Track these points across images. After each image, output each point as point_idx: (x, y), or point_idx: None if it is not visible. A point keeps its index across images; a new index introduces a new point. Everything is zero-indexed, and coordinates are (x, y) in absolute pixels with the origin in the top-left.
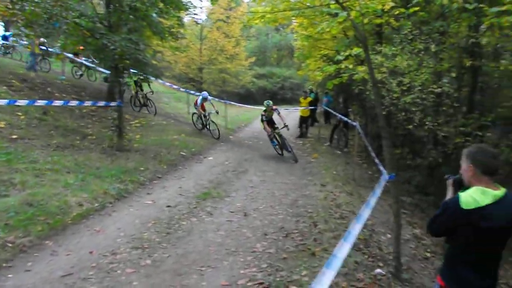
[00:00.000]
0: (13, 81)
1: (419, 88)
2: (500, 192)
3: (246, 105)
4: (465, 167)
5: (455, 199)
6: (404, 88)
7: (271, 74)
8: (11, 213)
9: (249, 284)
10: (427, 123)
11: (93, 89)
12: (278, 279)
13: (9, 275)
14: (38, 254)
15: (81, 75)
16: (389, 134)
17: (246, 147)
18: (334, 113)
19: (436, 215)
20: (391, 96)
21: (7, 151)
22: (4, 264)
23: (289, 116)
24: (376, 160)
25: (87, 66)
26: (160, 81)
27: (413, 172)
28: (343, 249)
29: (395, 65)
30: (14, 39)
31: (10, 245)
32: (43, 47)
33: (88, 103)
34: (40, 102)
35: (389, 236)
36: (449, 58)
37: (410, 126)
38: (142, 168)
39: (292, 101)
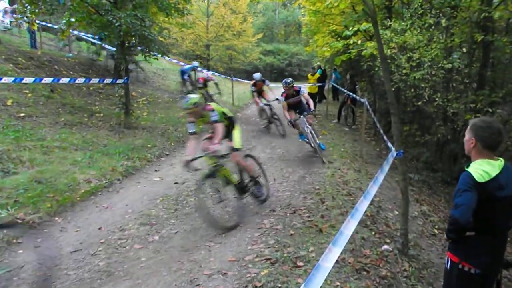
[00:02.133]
0: (20, 59)
1: (429, 64)
2: (500, 162)
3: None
4: (468, 138)
5: (468, 177)
6: (414, 64)
7: (279, 51)
8: (20, 190)
9: (256, 259)
10: (436, 99)
11: (100, 66)
12: (285, 255)
13: (19, 251)
14: (48, 230)
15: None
16: (397, 111)
17: (253, 124)
18: (342, 89)
19: (461, 202)
20: (400, 72)
21: (15, 129)
22: (14, 240)
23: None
24: (385, 137)
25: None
26: (167, 58)
27: (421, 149)
28: (349, 226)
29: (404, 40)
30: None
31: (20, 221)
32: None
33: (95, 81)
34: (47, 80)
35: (396, 212)
36: (460, 33)
37: (419, 103)
38: (149, 145)
39: (299, 77)
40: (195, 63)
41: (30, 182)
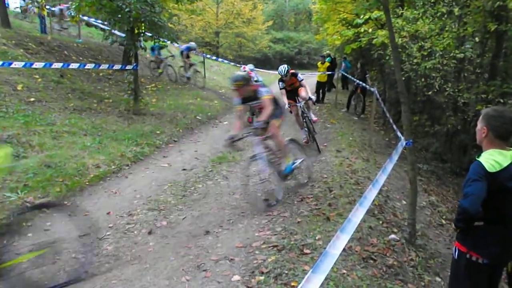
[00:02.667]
0: (30, 44)
1: (441, 53)
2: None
3: (261, 70)
4: (479, 128)
5: (478, 166)
6: (425, 53)
7: (288, 39)
8: (30, 174)
9: (263, 246)
10: (447, 89)
11: (109, 52)
12: (292, 242)
13: (29, 234)
14: (57, 215)
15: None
16: (407, 100)
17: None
18: (352, 78)
19: (471, 192)
20: (411, 61)
21: (25, 114)
22: (24, 224)
23: (305, 82)
24: (394, 126)
25: (102, 29)
26: (176, 45)
27: (430, 139)
28: (358, 214)
29: (416, 29)
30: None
31: (29, 205)
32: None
33: (104, 66)
34: (57, 65)
35: (404, 202)
36: (473, 22)
37: (430, 93)
38: (158, 132)
39: (309, 66)
40: (193, 44)
41: (39, 166)
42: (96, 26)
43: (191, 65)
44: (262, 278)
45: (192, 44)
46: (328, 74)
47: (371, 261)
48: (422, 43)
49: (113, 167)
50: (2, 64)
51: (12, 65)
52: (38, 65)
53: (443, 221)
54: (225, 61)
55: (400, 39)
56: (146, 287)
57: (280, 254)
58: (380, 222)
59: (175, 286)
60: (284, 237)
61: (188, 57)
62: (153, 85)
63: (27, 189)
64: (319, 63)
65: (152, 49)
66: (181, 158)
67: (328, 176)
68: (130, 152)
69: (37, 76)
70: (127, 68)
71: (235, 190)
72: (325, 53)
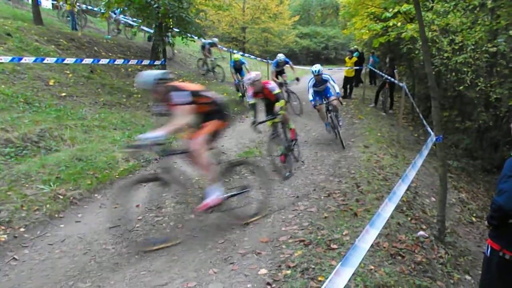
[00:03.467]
0: (61, 40)
1: (472, 47)
2: None
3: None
4: None
5: None
6: (456, 47)
7: (315, 34)
8: (62, 167)
9: (290, 240)
10: (479, 84)
11: (138, 48)
12: (319, 237)
13: (61, 225)
14: (88, 207)
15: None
16: (438, 95)
17: (289, 108)
18: (380, 73)
19: (506, 188)
20: (441, 55)
21: (57, 108)
22: (56, 215)
23: (333, 77)
24: (424, 122)
25: (129, 25)
26: (202, 40)
27: (461, 135)
28: (387, 209)
29: (447, 22)
30: None
31: (61, 197)
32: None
33: (133, 62)
34: (87, 61)
35: (433, 199)
36: (506, 15)
37: (461, 87)
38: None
39: (336, 61)
40: (215, 39)
41: (71, 159)
42: (125, 23)
43: (212, 59)
44: (288, 272)
45: (215, 39)
46: (356, 69)
47: (399, 258)
48: (453, 36)
49: (142, 161)
50: (35, 60)
51: (45, 61)
52: (69, 60)
53: (473, 219)
54: (252, 57)
55: (430, 32)
56: (175, 278)
57: (307, 248)
58: (409, 218)
59: (202, 278)
60: (311, 232)
61: (209, 52)
62: (181, 80)
63: (59, 181)
64: (346, 58)
65: (203, 47)
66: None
67: (355, 171)
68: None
69: (68, 72)
70: (155, 63)
71: (262, 185)
72: (352, 47)
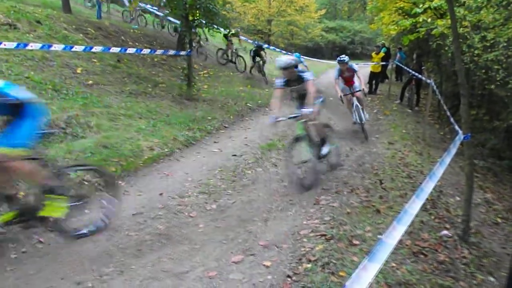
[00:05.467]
0: (89, 29)
1: (505, 44)
2: None
3: (312, 59)
4: None
5: None
6: (487, 44)
7: (342, 28)
8: (88, 154)
9: (311, 235)
10: (510, 82)
11: (164, 38)
12: (341, 232)
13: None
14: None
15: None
16: (467, 92)
17: None
18: (407, 69)
19: None
20: (471, 52)
21: (84, 96)
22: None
23: (358, 72)
24: (451, 119)
25: (156, 15)
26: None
27: (488, 135)
28: (414, 206)
29: (479, 18)
30: None
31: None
32: None
33: (159, 52)
34: (115, 50)
35: (458, 198)
36: None
37: (492, 86)
38: (209, 118)
39: (362, 56)
40: (237, 29)
41: (96, 146)
42: (151, 13)
43: (233, 50)
44: (309, 265)
45: (236, 29)
46: (382, 65)
47: (422, 256)
48: (485, 33)
49: (165, 150)
50: (64, 48)
51: (73, 49)
52: (97, 49)
53: (499, 220)
54: (277, 49)
55: (461, 29)
56: (196, 267)
57: (329, 243)
58: (432, 217)
59: (223, 268)
60: (332, 227)
61: (231, 42)
62: (205, 71)
63: None
64: (373, 53)
65: (225, 36)
66: (231, 144)
67: (379, 168)
68: (182, 136)
69: (95, 60)
70: (181, 54)
71: (284, 178)
72: (379, 43)
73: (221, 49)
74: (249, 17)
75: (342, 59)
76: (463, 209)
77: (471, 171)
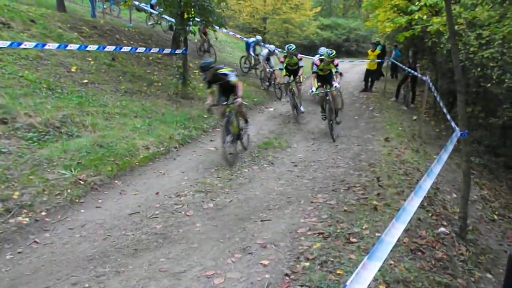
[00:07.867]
0: (84, 27)
1: (500, 42)
2: None
3: (307, 56)
4: None
5: None
6: (483, 41)
7: (336, 25)
8: (83, 153)
9: (309, 233)
10: (506, 80)
11: (159, 37)
12: (338, 230)
13: (81, 210)
14: (108, 193)
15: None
16: (464, 89)
17: (309, 100)
18: (403, 67)
19: None
20: (467, 50)
21: (79, 95)
22: (76, 200)
23: (353, 70)
24: (448, 116)
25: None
26: (224, 30)
27: (484, 132)
28: (413, 203)
29: (474, 16)
30: None
31: (82, 182)
32: None
33: (154, 50)
34: (110, 48)
35: (454, 195)
36: None
37: (488, 84)
38: (205, 116)
39: (357, 53)
40: (258, 37)
41: (92, 145)
42: (145, 11)
43: (206, 41)
44: (307, 264)
45: (258, 37)
46: (378, 62)
47: (419, 253)
48: (480, 31)
49: (161, 148)
50: (59, 47)
51: (68, 48)
52: (92, 47)
53: (495, 217)
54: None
55: (456, 26)
56: (193, 266)
57: (326, 241)
58: (430, 214)
59: (221, 267)
60: (330, 225)
61: (205, 34)
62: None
63: (80, 167)
64: (369, 51)
65: (247, 45)
66: None
67: (376, 165)
68: (178, 134)
69: (90, 59)
70: (176, 52)
71: (281, 176)
72: (375, 40)
73: (243, 56)
74: (244, 15)
75: (328, 52)
76: (460, 206)
77: (468, 168)
